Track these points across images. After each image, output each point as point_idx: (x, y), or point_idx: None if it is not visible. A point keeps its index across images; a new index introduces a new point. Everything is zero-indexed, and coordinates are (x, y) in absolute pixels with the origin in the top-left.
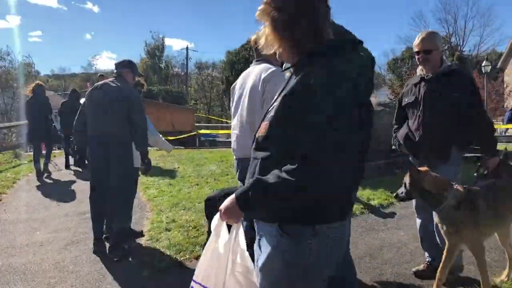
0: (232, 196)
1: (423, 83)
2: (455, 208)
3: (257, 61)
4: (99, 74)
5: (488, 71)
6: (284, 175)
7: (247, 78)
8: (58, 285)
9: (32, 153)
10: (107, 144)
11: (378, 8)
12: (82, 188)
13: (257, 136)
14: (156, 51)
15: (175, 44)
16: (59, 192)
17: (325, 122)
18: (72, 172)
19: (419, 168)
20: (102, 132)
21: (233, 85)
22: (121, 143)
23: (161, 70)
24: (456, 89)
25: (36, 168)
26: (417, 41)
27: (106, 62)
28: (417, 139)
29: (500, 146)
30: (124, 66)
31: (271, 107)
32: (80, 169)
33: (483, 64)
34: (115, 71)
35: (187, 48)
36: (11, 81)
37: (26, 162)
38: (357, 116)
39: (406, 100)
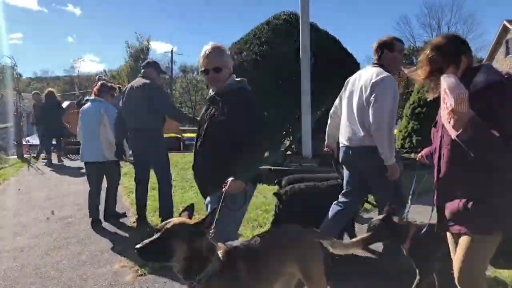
0: None
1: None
2: (217, 274)
3: (373, 64)
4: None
5: None
6: None
7: (360, 77)
8: None
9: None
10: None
11: (363, 11)
12: (65, 193)
13: None
14: (140, 54)
15: (157, 47)
16: (41, 196)
17: None
18: (56, 174)
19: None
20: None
21: (348, 79)
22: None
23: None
24: (225, 112)
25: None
26: (203, 57)
27: (88, 65)
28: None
29: None
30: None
31: None
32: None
33: None
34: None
35: (171, 51)
36: None
37: (7, 166)
38: None
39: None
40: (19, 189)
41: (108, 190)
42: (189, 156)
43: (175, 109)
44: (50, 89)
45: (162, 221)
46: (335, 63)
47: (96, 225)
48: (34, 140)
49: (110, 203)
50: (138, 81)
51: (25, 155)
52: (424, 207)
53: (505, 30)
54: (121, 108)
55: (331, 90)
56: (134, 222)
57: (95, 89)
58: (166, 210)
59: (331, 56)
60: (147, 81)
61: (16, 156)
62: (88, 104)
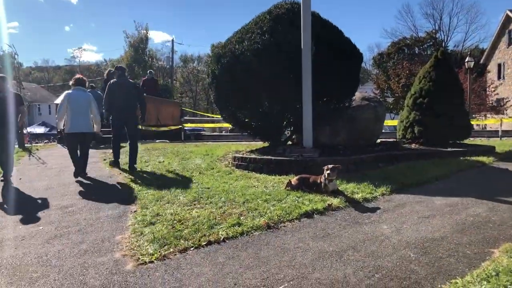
0: None
1: None
2: None
3: None
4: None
5: (471, 66)
6: None
7: None
8: (41, 280)
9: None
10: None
11: (364, 1)
12: (66, 182)
13: None
14: (140, 44)
15: (157, 37)
16: (42, 186)
17: None
18: (57, 164)
19: None
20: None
21: None
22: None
23: (145, 63)
24: None
25: None
26: None
27: (88, 55)
28: None
29: (481, 141)
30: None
31: None
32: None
33: (466, 60)
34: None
35: (172, 40)
36: None
37: None
38: None
39: None
40: (20, 178)
41: (85, 152)
42: (190, 146)
43: (144, 100)
44: None
45: (130, 164)
46: (337, 53)
47: (77, 174)
48: (35, 129)
49: (85, 161)
50: (126, 80)
51: (26, 144)
52: (425, 197)
53: (508, 20)
54: (111, 93)
55: (332, 81)
56: (131, 212)
57: (76, 80)
58: (133, 156)
59: (333, 46)
60: (133, 81)
61: (17, 145)
62: (75, 92)
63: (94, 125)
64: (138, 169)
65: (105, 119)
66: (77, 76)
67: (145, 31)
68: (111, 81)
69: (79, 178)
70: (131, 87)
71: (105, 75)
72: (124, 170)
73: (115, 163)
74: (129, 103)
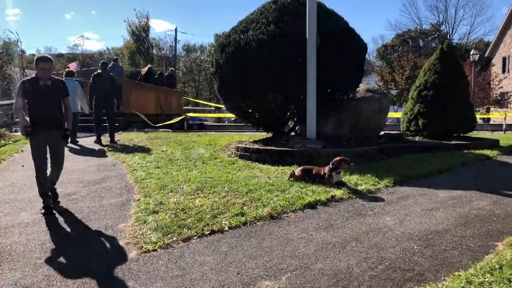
0: None
1: None
2: None
3: None
4: None
5: (476, 59)
6: None
7: None
8: (44, 266)
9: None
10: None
11: None
12: (69, 170)
13: None
14: (141, 32)
15: (157, 26)
16: None
17: None
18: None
19: None
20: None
21: None
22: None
23: (147, 52)
24: None
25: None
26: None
27: (90, 43)
28: None
29: (485, 135)
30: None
31: None
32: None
33: (471, 53)
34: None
35: (176, 29)
36: None
37: (11, 142)
38: None
39: None
40: (22, 166)
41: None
42: (193, 136)
43: (120, 90)
44: None
45: (110, 138)
46: (342, 44)
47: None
48: None
49: (74, 134)
50: (107, 73)
51: None
52: (429, 190)
53: None
54: (95, 83)
55: (337, 72)
56: (134, 200)
57: (67, 72)
58: (112, 133)
59: (338, 37)
60: (113, 75)
61: (20, 133)
62: (65, 81)
63: (81, 107)
64: (141, 159)
65: (89, 107)
66: (67, 69)
67: (145, 19)
68: (94, 73)
69: (82, 164)
70: (110, 78)
71: (145, 71)
72: (115, 148)
73: (98, 140)
74: (108, 92)
